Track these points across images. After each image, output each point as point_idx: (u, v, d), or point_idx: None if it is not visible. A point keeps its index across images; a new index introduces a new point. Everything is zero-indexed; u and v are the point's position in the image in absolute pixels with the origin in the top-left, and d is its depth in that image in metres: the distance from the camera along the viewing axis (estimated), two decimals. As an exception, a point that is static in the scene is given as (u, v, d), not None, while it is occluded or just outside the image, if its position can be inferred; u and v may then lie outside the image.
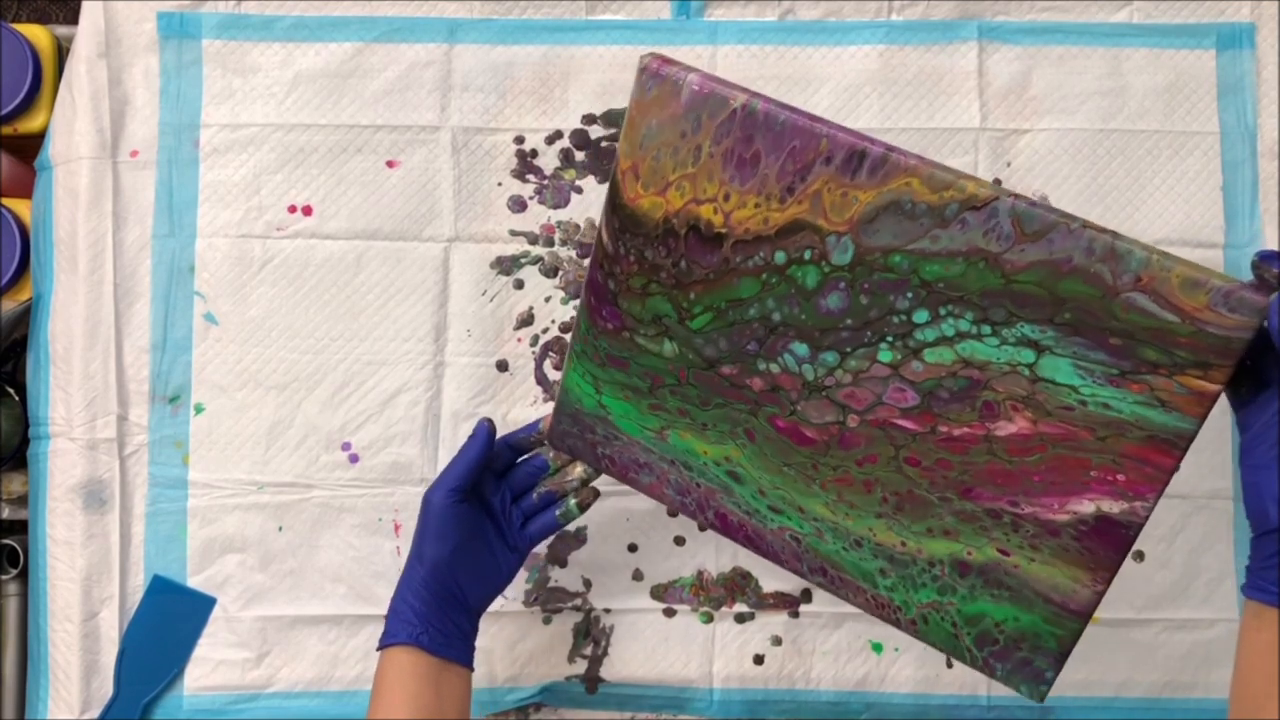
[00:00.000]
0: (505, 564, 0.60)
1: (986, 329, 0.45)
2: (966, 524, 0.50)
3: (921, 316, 0.46)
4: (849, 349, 0.48)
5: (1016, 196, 0.43)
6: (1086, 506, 0.46)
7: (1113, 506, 0.46)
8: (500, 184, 0.72)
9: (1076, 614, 0.49)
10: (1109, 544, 0.47)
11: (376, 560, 0.70)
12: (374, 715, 0.55)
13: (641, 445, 0.58)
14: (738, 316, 0.50)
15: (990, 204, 0.43)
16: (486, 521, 0.60)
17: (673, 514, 0.70)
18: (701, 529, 0.70)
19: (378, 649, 0.57)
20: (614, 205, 0.50)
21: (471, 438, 0.59)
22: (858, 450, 0.51)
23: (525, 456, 0.62)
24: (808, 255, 0.47)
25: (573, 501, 0.61)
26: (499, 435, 0.59)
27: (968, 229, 0.43)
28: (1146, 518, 0.46)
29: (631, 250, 0.51)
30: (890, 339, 0.47)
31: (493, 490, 0.61)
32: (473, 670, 0.59)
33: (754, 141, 0.46)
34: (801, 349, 0.49)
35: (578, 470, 0.61)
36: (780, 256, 0.47)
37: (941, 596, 0.52)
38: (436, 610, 0.56)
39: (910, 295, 0.46)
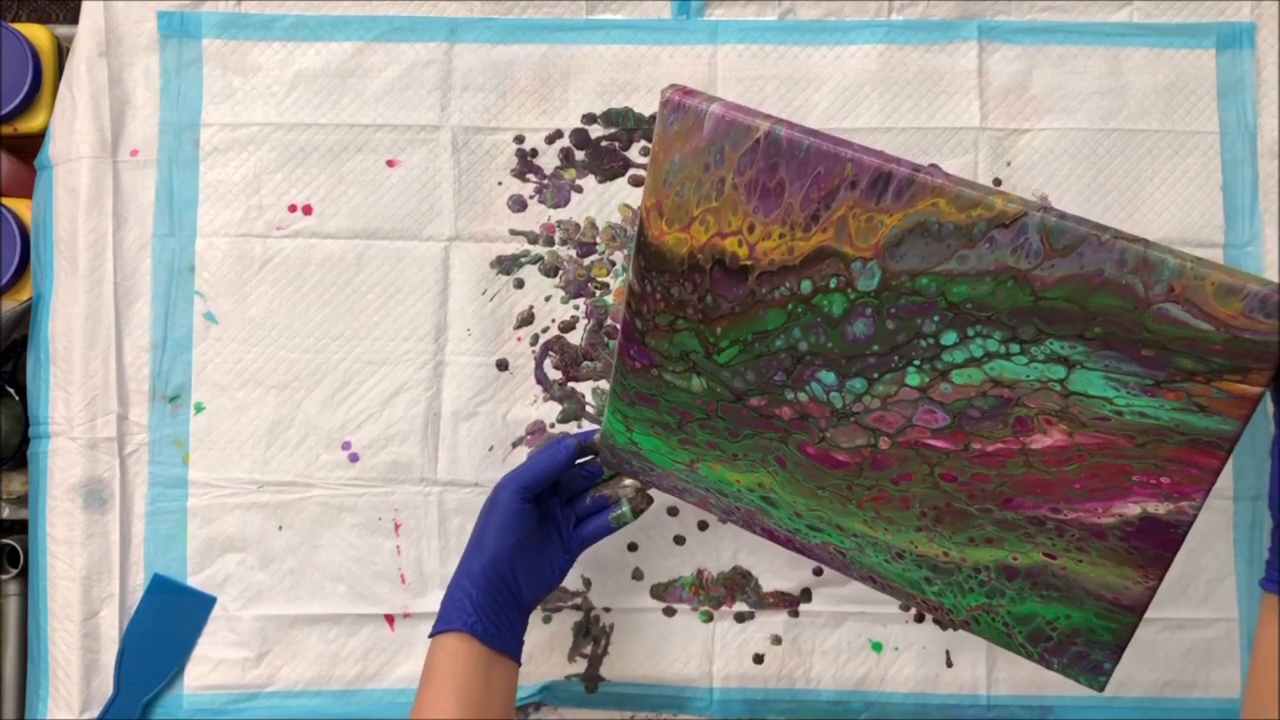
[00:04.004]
0: (558, 564, 0.59)
1: (1015, 348, 0.43)
2: (1009, 531, 0.48)
3: (949, 338, 0.44)
4: (876, 375, 0.46)
5: (1045, 210, 0.40)
6: (1131, 509, 0.44)
7: (1159, 508, 0.44)
8: (500, 183, 0.70)
9: (1129, 609, 0.47)
10: (1158, 543, 0.45)
11: (376, 559, 0.68)
12: (422, 700, 0.54)
13: (676, 476, 0.56)
14: (764, 348, 0.48)
15: (1019, 220, 0.40)
16: (544, 521, 0.59)
17: (673, 513, 0.69)
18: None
19: (430, 635, 0.56)
20: (640, 244, 0.48)
21: (554, 448, 0.59)
22: (892, 470, 0.49)
23: (582, 461, 0.61)
24: (833, 284, 0.45)
25: (626, 506, 0.60)
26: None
27: (996, 247, 0.41)
28: (1195, 516, 0.43)
29: (658, 288, 0.49)
30: (918, 362, 0.45)
31: (549, 491, 0.60)
32: (520, 666, 0.57)
33: (778, 170, 0.44)
34: (829, 377, 0.47)
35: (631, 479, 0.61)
36: (806, 286, 0.45)
37: (990, 600, 0.50)
38: (491, 601, 0.55)
39: (937, 318, 0.44)
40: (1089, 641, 0.49)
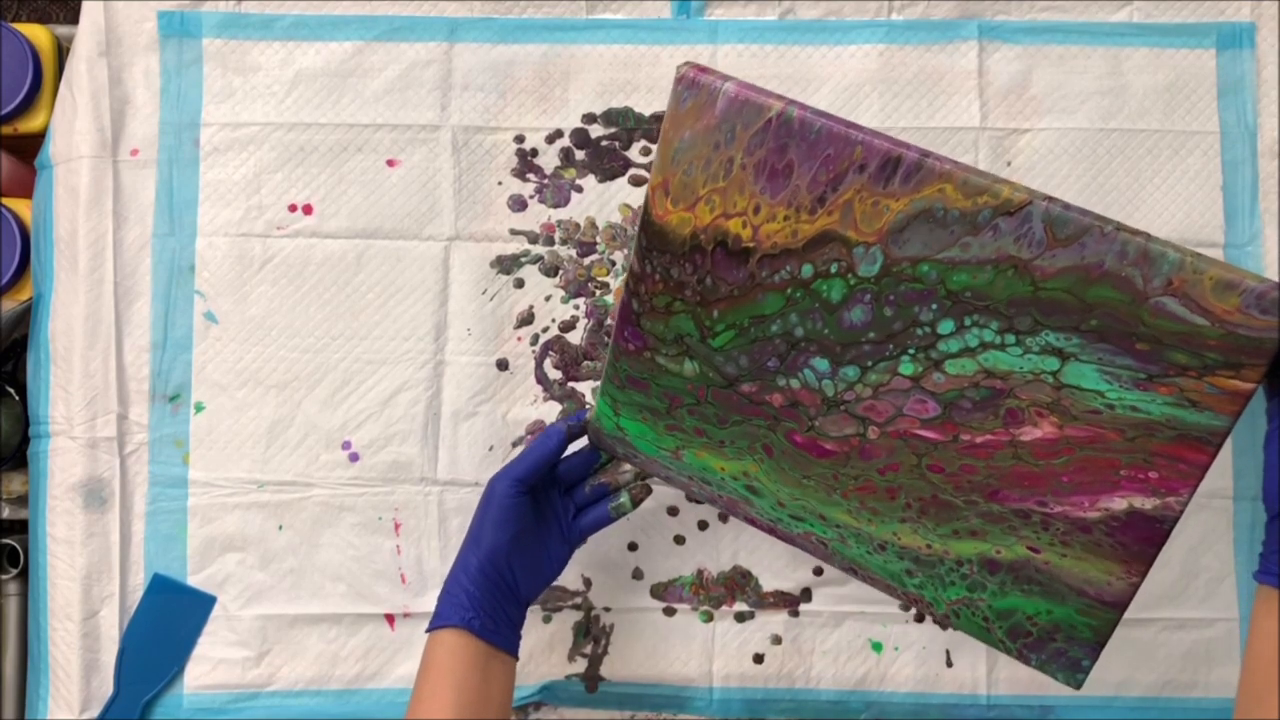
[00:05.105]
0: (557, 556, 0.59)
1: (1010, 338, 0.43)
2: (994, 524, 0.48)
3: (946, 327, 0.44)
4: (870, 363, 0.46)
5: (1050, 200, 0.40)
6: (1118, 503, 0.44)
7: (1145, 503, 0.44)
8: (500, 183, 0.70)
9: (1111, 605, 0.47)
10: (1143, 538, 0.45)
11: (376, 559, 0.68)
12: (419, 696, 0.54)
13: (659, 464, 0.56)
14: (760, 333, 0.48)
15: (1024, 208, 0.40)
16: (541, 513, 0.59)
17: (673, 513, 0.69)
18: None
19: (427, 631, 0.56)
20: (644, 223, 0.48)
21: (545, 436, 0.58)
22: (879, 460, 0.49)
23: (576, 447, 0.61)
24: (834, 269, 0.45)
25: (626, 496, 0.60)
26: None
27: (999, 235, 0.41)
28: (1181, 511, 0.43)
29: (658, 269, 0.49)
30: (912, 351, 0.45)
31: (547, 480, 0.60)
32: (517, 660, 0.57)
33: (788, 151, 0.43)
34: (822, 364, 0.47)
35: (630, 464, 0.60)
36: (807, 270, 0.45)
37: (971, 593, 0.50)
38: (489, 596, 0.55)
39: (935, 306, 0.44)
40: (1069, 638, 0.49)
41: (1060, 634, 0.50)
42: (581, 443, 0.61)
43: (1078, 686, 0.51)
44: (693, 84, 0.45)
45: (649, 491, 0.61)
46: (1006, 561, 0.49)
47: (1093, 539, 0.46)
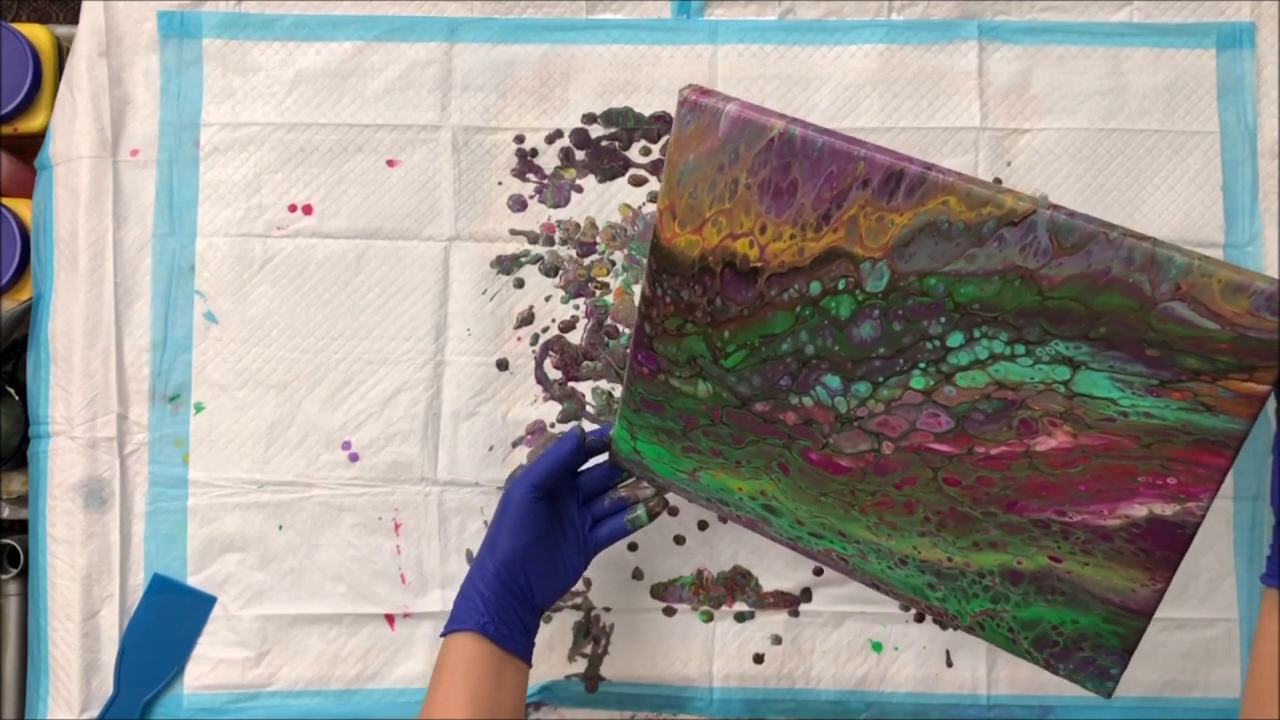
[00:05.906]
0: (572, 566, 0.59)
1: (1020, 349, 0.43)
2: (1014, 535, 0.47)
3: (956, 340, 0.44)
4: (881, 378, 0.46)
5: (1055, 208, 0.40)
6: (1138, 510, 0.44)
7: (1165, 509, 0.44)
8: (500, 183, 0.70)
9: (1137, 612, 0.47)
10: (1165, 544, 0.44)
11: (377, 559, 0.68)
12: (433, 699, 0.54)
13: (676, 486, 0.56)
14: (771, 352, 0.48)
15: (1029, 218, 0.40)
16: (559, 522, 0.59)
17: (673, 513, 0.69)
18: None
19: (441, 635, 0.56)
20: (653, 247, 0.48)
21: (561, 441, 0.58)
22: (895, 475, 0.48)
23: (596, 460, 0.61)
24: (842, 285, 0.45)
25: (642, 510, 0.60)
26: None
27: (1005, 246, 0.41)
28: (1203, 516, 0.43)
29: (668, 291, 0.49)
30: (923, 365, 0.45)
31: (566, 490, 0.60)
32: (530, 666, 0.57)
33: (791, 170, 0.44)
34: (834, 381, 0.47)
35: None
36: (815, 287, 0.45)
37: (995, 605, 0.50)
38: (503, 601, 0.55)
39: (944, 319, 0.44)
40: (1096, 646, 0.49)
41: (1087, 642, 0.49)
42: (603, 457, 0.61)
43: (1108, 695, 0.51)
44: (695, 107, 0.45)
45: (665, 505, 0.61)
46: (1028, 572, 0.49)
47: (1114, 547, 0.46)
